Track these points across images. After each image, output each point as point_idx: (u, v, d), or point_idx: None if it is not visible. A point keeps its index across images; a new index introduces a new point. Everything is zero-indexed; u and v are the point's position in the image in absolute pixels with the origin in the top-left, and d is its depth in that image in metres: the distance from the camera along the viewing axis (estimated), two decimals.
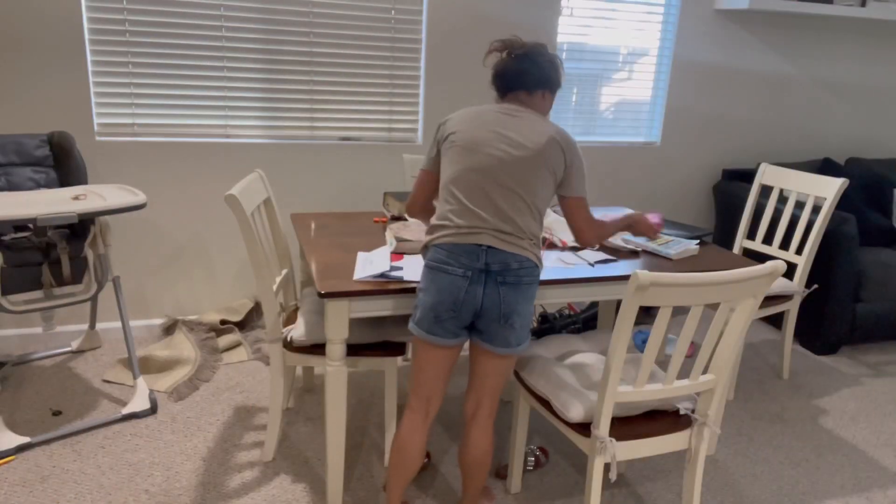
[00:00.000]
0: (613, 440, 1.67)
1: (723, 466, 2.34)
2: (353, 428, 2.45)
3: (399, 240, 2.02)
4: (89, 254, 2.43)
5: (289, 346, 2.08)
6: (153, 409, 2.46)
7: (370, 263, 1.88)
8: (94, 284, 2.46)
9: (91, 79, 2.80)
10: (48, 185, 2.58)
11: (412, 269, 1.87)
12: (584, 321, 3.25)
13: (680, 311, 3.69)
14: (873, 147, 4.22)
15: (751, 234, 3.34)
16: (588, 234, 1.78)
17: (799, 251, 2.92)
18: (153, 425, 2.39)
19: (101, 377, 2.70)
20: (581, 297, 1.97)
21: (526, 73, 1.75)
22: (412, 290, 1.77)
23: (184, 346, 2.90)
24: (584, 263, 2.04)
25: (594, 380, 1.88)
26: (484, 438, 1.77)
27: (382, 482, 2.15)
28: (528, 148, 1.66)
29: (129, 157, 2.90)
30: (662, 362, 2.56)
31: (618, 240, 2.23)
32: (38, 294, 2.52)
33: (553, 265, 2.00)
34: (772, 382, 2.97)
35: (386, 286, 1.76)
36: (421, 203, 1.85)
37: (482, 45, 3.27)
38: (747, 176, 3.78)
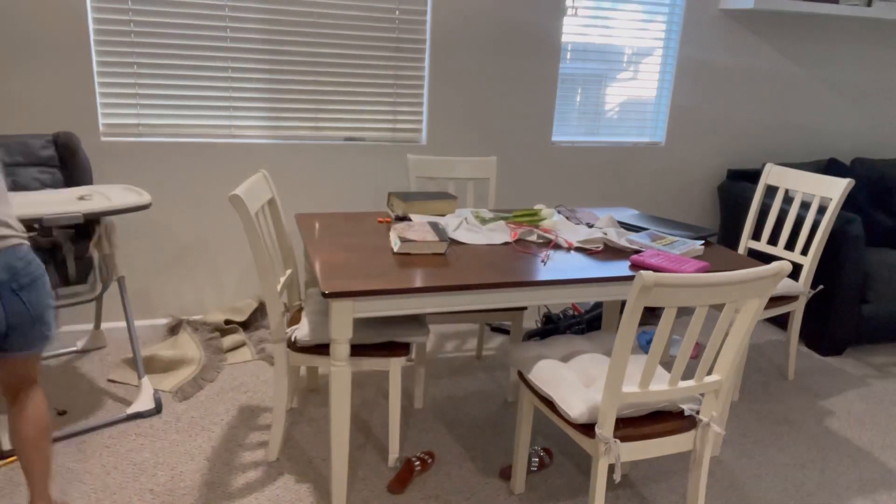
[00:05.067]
0: (618, 441, 1.67)
1: (728, 468, 2.33)
2: (357, 428, 2.45)
3: (403, 240, 2.02)
4: (94, 254, 2.44)
5: (293, 346, 2.09)
6: (158, 409, 2.47)
7: None
8: (99, 284, 2.47)
9: (96, 79, 2.81)
10: (54, 186, 2.59)
11: None
12: (589, 322, 3.25)
13: (685, 312, 3.68)
14: (879, 147, 4.20)
15: (756, 235, 3.33)
16: None
17: (804, 252, 2.91)
18: (158, 425, 2.39)
19: (106, 377, 2.71)
20: (585, 297, 1.96)
21: None
22: (417, 290, 1.77)
23: (188, 345, 2.90)
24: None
25: (598, 380, 1.87)
26: (42, 403, 1.68)
27: (387, 483, 2.15)
28: None
29: (134, 158, 2.91)
30: (667, 363, 2.56)
31: (622, 240, 2.23)
32: None
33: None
34: (777, 383, 2.96)
35: (390, 286, 1.76)
36: None
37: (486, 44, 3.27)
38: (752, 176, 3.77)
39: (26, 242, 1.52)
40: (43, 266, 1.56)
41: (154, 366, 2.75)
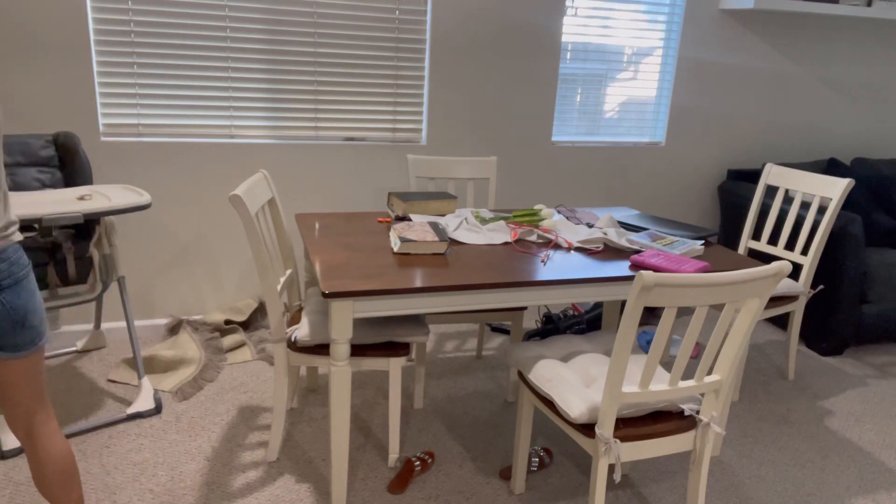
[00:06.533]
0: (618, 441, 1.67)
1: (728, 468, 2.33)
2: (357, 428, 2.45)
3: (403, 240, 2.02)
4: (94, 254, 2.44)
5: (293, 346, 2.09)
6: (158, 409, 2.47)
7: None
8: (99, 284, 2.47)
9: (96, 79, 2.81)
10: (53, 186, 2.59)
11: None
12: (589, 322, 3.25)
13: (685, 312, 3.68)
14: (879, 147, 4.20)
15: (756, 235, 3.33)
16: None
17: (804, 252, 2.91)
18: (158, 425, 2.39)
19: (106, 377, 2.71)
20: (585, 297, 1.96)
21: None
22: (417, 290, 1.77)
23: (188, 345, 2.90)
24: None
25: (598, 380, 1.87)
26: (61, 443, 1.55)
27: (387, 483, 2.15)
28: None
29: (134, 158, 2.91)
30: (667, 363, 2.56)
31: (622, 240, 2.23)
32: (43, 294, 2.52)
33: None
34: (777, 383, 2.96)
35: (390, 286, 1.76)
36: None
37: (486, 44, 3.27)
38: (752, 176, 3.77)
39: (14, 242, 1.47)
40: (29, 267, 1.50)
41: (154, 366, 2.75)
